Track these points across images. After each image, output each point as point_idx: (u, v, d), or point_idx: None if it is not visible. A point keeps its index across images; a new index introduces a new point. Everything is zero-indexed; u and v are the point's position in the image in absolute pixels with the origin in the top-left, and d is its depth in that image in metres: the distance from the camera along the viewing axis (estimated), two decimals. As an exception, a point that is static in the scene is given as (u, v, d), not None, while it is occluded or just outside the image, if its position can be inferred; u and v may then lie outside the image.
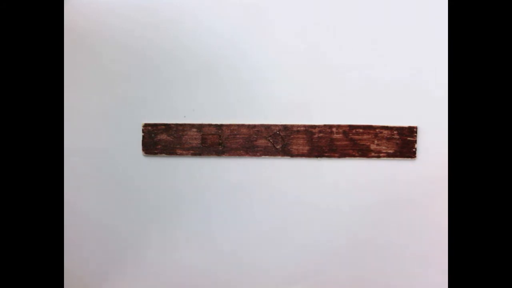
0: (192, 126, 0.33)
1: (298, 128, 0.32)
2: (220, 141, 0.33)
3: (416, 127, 0.32)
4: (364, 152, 0.32)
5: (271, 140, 0.32)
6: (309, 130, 0.32)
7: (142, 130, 0.33)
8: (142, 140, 0.33)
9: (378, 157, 0.32)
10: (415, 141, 0.31)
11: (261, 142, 0.33)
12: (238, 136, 0.33)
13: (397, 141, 0.32)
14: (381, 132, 0.32)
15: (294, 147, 0.32)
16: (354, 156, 0.32)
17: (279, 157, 0.32)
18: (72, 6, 0.33)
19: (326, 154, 0.32)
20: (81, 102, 0.33)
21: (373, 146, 0.32)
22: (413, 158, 0.32)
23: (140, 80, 0.33)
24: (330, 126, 0.32)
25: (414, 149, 0.32)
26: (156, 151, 0.33)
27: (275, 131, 0.32)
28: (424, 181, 0.32)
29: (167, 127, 0.33)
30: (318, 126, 0.32)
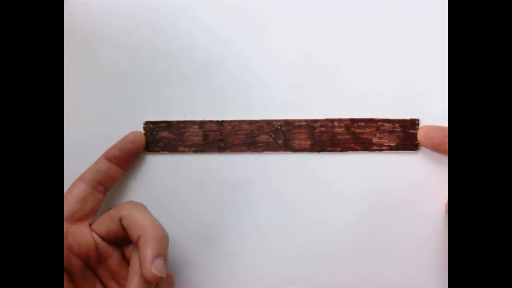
0: (193, 123, 0.33)
1: (300, 123, 0.32)
2: (221, 137, 0.32)
3: (418, 120, 0.31)
4: (366, 145, 0.32)
5: (272, 136, 0.32)
6: (310, 125, 0.32)
7: (144, 127, 0.33)
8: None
9: (381, 150, 0.32)
10: (417, 134, 0.31)
11: (263, 137, 0.32)
12: (239, 132, 0.32)
13: (399, 134, 0.32)
14: (383, 125, 0.32)
15: (296, 142, 0.32)
16: (356, 149, 0.32)
17: (281, 152, 0.32)
18: (72, 6, 0.33)
19: (328, 149, 0.32)
20: (81, 102, 0.33)
21: (375, 140, 0.32)
22: (415, 151, 0.32)
23: (141, 80, 0.33)
24: (332, 120, 0.32)
25: (416, 142, 0.31)
26: (158, 149, 0.33)
27: (276, 126, 0.32)
28: (427, 173, 0.32)
29: (168, 124, 0.33)
30: (320, 121, 0.32)
